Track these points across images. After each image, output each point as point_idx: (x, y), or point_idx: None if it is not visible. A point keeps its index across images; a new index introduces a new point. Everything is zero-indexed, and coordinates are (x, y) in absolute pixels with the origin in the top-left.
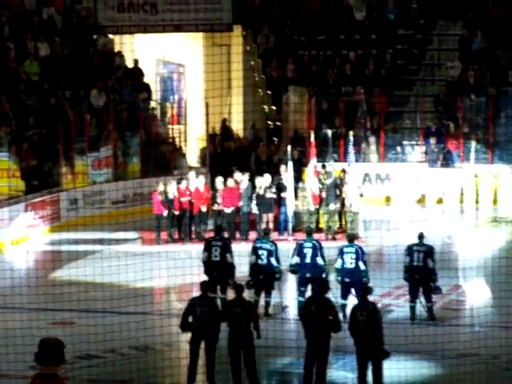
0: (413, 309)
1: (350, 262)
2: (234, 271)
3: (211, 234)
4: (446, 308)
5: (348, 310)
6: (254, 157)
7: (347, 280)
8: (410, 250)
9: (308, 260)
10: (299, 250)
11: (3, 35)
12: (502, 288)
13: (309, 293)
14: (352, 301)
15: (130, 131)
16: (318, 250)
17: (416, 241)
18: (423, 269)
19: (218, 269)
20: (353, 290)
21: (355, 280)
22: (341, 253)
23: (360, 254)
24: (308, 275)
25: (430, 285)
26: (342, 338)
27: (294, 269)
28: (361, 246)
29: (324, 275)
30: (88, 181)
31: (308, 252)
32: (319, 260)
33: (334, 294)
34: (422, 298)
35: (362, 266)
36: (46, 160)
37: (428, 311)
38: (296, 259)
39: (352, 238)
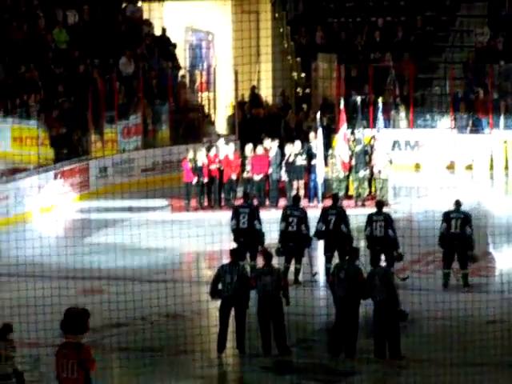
0: (447, 276)
1: (379, 229)
2: (263, 238)
3: (241, 201)
4: (476, 275)
5: None
6: (283, 124)
7: (376, 247)
8: (447, 217)
9: (331, 227)
10: (324, 217)
11: (32, 3)
12: None
13: (336, 259)
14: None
15: (159, 99)
16: (341, 217)
17: (453, 207)
18: (461, 236)
19: (247, 236)
20: (382, 257)
21: (385, 247)
22: (369, 220)
23: (389, 222)
24: (332, 242)
25: (466, 252)
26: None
27: (319, 235)
28: (389, 213)
29: (349, 242)
30: (117, 149)
31: (332, 219)
32: (343, 227)
33: (361, 262)
34: (457, 265)
35: (390, 233)
36: (75, 128)
37: (463, 278)
38: (321, 225)
39: (381, 206)
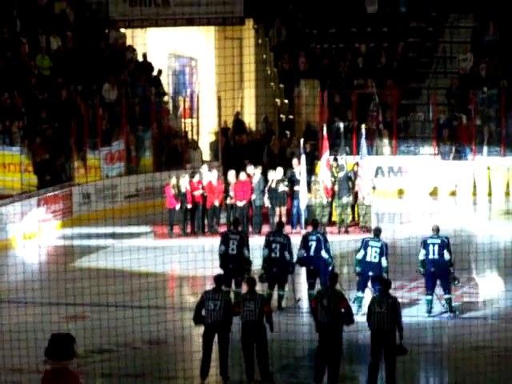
0: (430, 302)
1: (373, 255)
2: (250, 266)
3: (224, 228)
4: (458, 300)
5: (364, 303)
6: (266, 150)
7: (368, 273)
8: (425, 243)
9: (312, 253)
10: (304, 243)
11: (15, 29)
12: None
13: (318, 285)
14: (368, 294)
15: (142, 125)
16: (322, 242)
17: (431, 233)
18: (440, 261)
19: (234, 262)
20: (369, 284)
21: (375, 274)
22: (365, 245)
23: (384, 250)
24: (312, 267)
25: (447, 277)
26: (355, 331)
27: (300, 261)
28: (386, 242)
29: (330, 268)
30: (100, 175)
31: (312, 244)
32: (323, 253)
33: (341, 287)
34: (440, 291)
35: (384, 262)
36: (58, 154)
37: (447, 304)
38: (302, 252)
39: (378, 233)
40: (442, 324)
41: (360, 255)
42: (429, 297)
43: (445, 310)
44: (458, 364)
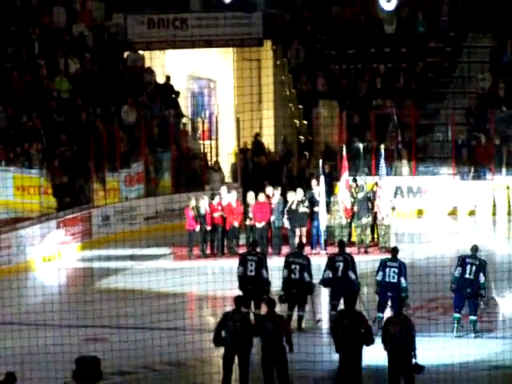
0: (458, 320)
1: (392, 276)
2: (269, 287)
3: (243, 249)
4: (478, 320)
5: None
6: (285, 171)
7: (387, 294)
8: (462, 262)
9: (340, 274)
10: (331, 264)
11: (34, 52)
12: None
13: (341, 307)
14: (388, 314)
15: (161, 147)
16: (349, 264)
17: (469, 253)
18: (474, 282)
19: (253, 284)
20: (389, 304)
21: (394, 294)
22: (383, 266)
23: (403, 270)
24: (340, 289)
25: (478, 298)
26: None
27: (326, 283)
28: (404, 261)
29: (356, 289)
30: (120, 197)
31: (340, 266)
32: (351, 274)
33: (365, 307)
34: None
35: (403, 281)
36: (77, 177)
37: (472, 324)
38: (328, 273)
39: (396, 253)
40: (463, 343)
41: (379, 276)
42: (457, 315)
43: (468, 330)
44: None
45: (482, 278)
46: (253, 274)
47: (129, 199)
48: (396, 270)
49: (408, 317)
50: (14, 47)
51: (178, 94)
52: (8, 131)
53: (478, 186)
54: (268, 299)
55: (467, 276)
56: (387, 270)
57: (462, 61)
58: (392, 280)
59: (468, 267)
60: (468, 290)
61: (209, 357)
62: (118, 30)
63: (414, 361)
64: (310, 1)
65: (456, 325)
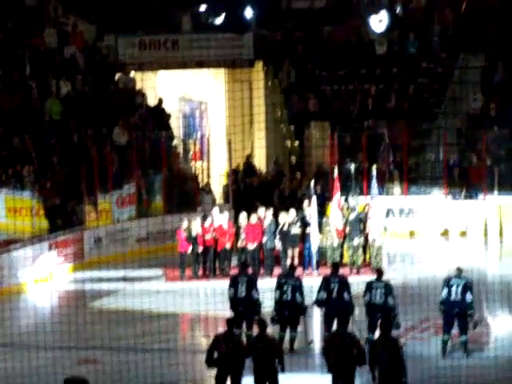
0: (446, 342)
1: (378, 296)
2: (260, 308)
3: (236, 271)
4: (470, 340)
5: None
6: (277, 192)
7: (376, 315)
8: (448, 283)
9: (334, 295)
10: (326, 285)
11: (25, 74)
12: None
13: (334, 327)
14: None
15: (153, 168)
16: (344, 285)
17: (454, 273)
18: (462, 302)
19: (244, 305)
20: (379, 324)
21: (383, 315)
22: (369, 288)
23: (388, 290)
24: (334, 310)
25: (466, 319)
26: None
27: (320, 303)
28: (389, 281)
29: (350, 310)
30: (112, 219)
31: (335, 287)
32: (346, 296)
33: (358, 328)
34: (456, 332)
35: (390, 301)
36: (69, 198)
37: (463, 345)
38: (322, 294)
39: (381, 274)
40: (455, 364)
41: (366, 298)
42: (446, 336)
43: (458, 350)
44: None
45: (468, 298)
46: (243, 295)
47: (121, 221)
48: (382, 291)
49: (396, 338)
50: (5, 69)
51: (169, 115)
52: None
53: (470, 206)
54: (259, 320)
55: (453, 297)
56: (373, 291)
57: (453, 81)
58: (379, 301)
59: (453, 288)
60: (456, 310)
61: (201, 378)
62: (110, 52)
63: (404, 380)
64: (301, 21)
65: (444, 346)
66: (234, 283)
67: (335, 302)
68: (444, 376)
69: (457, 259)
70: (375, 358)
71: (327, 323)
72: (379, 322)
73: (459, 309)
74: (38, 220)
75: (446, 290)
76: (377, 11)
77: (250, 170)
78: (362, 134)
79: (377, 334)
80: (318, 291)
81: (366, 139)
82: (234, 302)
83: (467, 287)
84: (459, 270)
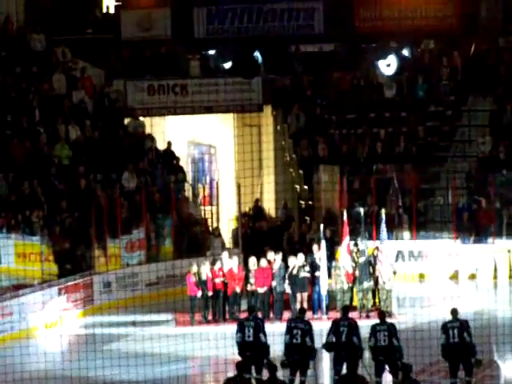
0: None
1: (383, 339)
2: (268, 351)
3: (245, 315)
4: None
5: None
6: (286, 236)
7: (381, 358)
8: (445, 328)
9: (344, 339)
10: (335, 329)
11: (34, 119)
12: None
13: (344, 371)
14: (387, 378)
15: (162, 213)
16: (353, 329)
17: (450, 317)
18: (461, 344)
19: (252, 349)
20: (387, 368)
21: (389, 357)
22: (374, 331)
23: (392, 331)
24: (344, 354)
25: (470, 359)
26: None
27: (329, 347)
28: (393, 322)
29: (359, 354)
30: (121, 263)
31: (344, 331)
32: (355, 339)
33: (368, 371)
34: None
35: (395, 342)
36: (78, 243)
37: None
38: (332, 337)
39: (383, 316)
40: None
41: (371, 342)
42: (452, 380)
43: None
44: None
45: (467, 339)
46: (251, 339)
47: (130, 265)
48: (386, 333)
49: (417, 381)
50: (14, 114)
51: (178, 159)
52: (9, 198)
53: (479, 249)
54: (269, 364)
55: (452, 340)
56: (378, 334)
57: (462, 124)
58: (383, 344)
59: (451, 332)
60: (457, 353)
61: None
62: (118, 97)
63: None
64: (310, 66)
65: None
66: (241, 328)
67: (344, 345)
68: None
69: (466, 302)
70: None
71: (337, 367)
72: (386, 366)
73: (460, 351)
74: (47, 265)
75: (444, 335)
76: (385, 55)
77: (259, 214)
78: (370, 177)
79: (384, 377)
80: (328, 335)
81: (375, 183)
82: (242, 346)
83: (464, 328)
84: (454, 313)
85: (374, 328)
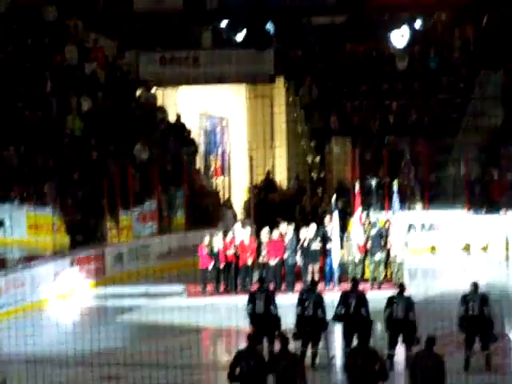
0: (468, 358)
1: (400, 312)
2: (280, 323)
3: (257, 286)
4: (493, 356)
5: (396, 359)
6: (298, 208)
7: (396, 330)
8: (464, 300)
9: (352, 310)
10: (344, 300)
11: (46, 91)
12: None
13: (355, 343)
14: (400, 350)
15: (174, 185)
16: (362, 301)
17: (470, 290)
18: (479, 318)
19: (263, 321)
20: (400, 340)
21: (404, 330)
22: (390, 302)
23: (410, 305)
24: (352, 326)
25: (487, 333)
26: None
27: (338, 318)
28: (411, 297)
29: (368, 326)
30: (133, 235)
31: (352, 302)
32: (363, 311)
33: (379, 342)
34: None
35: (411, 316)
36: (90, 215)
37: (485, 360)
38: (341, 309)
39: (403, 289)
40: (477, 379)
41: (387, 313)
42: (468, 352)
43: (481, 364)
44: None
45: (486, 312)
46: (262, 311)
47: (142, 237)
48: (403, 306)
49: (440, 354)
50: (26, 86)
51: (189, 131)
52: (21, 170)
53: (491, 221)
54: (281, 336)
55: (471, 313)
56: (395, 306)
57: (474, 96)
58: (399, 316)
59: (470, 304)
60: (475, 326)
61: None
62: (130, 68)
63: None
64: (322, 37)
65: (467, 362)
66: (251, 299)
67: (353, 317)
68: None
69: (478, 274)
70: (416, 371)
71: (346, 338)
72: (400, 338)
73: (478, 324)
74: (59, 236)
75: (463, 307)
76: (397, 27)
77: (270, 185)
78: (383, 149)
79: (398, 349)
80: (337, 306)
81: (387, 155)
82: (253, 318)
83: (484, 302)
84: (475, 286)
85: (391, 299)
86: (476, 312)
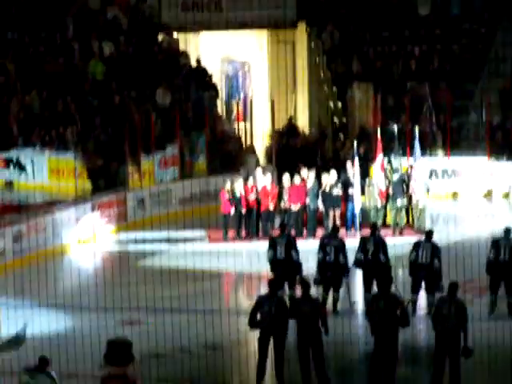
0: (493, 303)
1: (425, 257)
2: (301, 268)
3: (278, 232)
4: None
5: (418, 305)
6: (320, 154)
7: (420, 275)
8: (496, 244)
9: (370, 256)
10: (363, 246)
11: (68, 35)
12: None
13: (374, 288)
14: (422, 296)
15: (196, 130)
16: (380, 246)
17: (502, 234)
18: (509, 263)
19: (284, 266)
20: (423, 285)
21: (428, 276)
22: (417, 247)
23: (436, 251)
24: (371, 271)
25: None
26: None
27: (357, 264)
28: (437, 244)
29: (387, 271)
30: (155, 180)
31: (370, 248)
32: (381, 256)
33: (396, 288)
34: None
35: (436, 263)
36: (112, 160)
37: (509, 306)
38: (360, 255)
39: (430, 235)
40: (500, 325)
41: (412, 257)
42: (492, 297)
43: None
44: None
45: None
46: (282, 256)
47: (164, 182)
48: (429, 252)
49: (461, 299)
50: (47, 31)
51: (210, 76)
52: (43, 114)
53: None
54: (302, 281)
55: (502, 258)
56: (420, 251)
57: (496, 42)
58: (424, 261)
59: (502, 249)
60: (503, 271)
61: (244, 339)
62: (153, 13)
63: (463, 343)
64: None
65: (492, 306)
66: (272, 245)
67: (371, 262)
68: (489, 337)
69: (500, 221)
70: (438, 316)
71: (366, 284)
72: (423, 283)
73: (506, 270)
74: (80, 181)
75: (493, 251)
76: None
77: (292, 131)
78: (404, 95)
79: (421, 294)
80: (357, 252)
81: (409, 100)
82: (274, 263)
83: None
84: (508, 231)
85: (417, 244)
86: (507, 257)
